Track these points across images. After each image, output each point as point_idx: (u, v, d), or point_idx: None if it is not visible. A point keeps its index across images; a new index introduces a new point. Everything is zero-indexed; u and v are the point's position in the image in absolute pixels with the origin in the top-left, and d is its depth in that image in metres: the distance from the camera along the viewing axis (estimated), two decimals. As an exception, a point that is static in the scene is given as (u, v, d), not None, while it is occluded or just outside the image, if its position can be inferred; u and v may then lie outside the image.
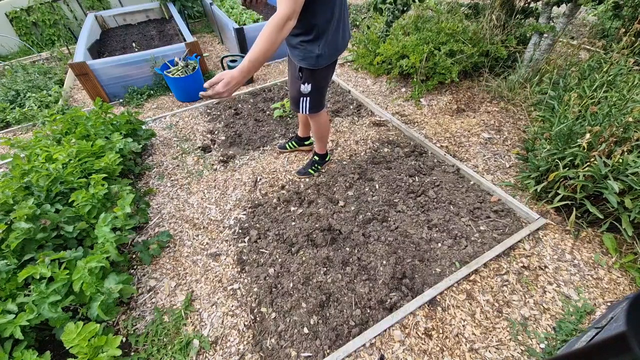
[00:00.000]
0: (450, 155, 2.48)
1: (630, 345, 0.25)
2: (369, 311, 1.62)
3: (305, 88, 1.83)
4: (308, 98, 1.89)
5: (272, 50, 1.30)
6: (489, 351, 1.47)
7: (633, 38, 2.35)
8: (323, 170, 2.47)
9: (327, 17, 1.55)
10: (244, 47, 3.99)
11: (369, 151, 2.62)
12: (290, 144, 2.65)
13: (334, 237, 1.96)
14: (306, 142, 2.62)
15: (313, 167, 2.43)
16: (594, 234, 1.89)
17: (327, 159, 2.49)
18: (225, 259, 1.96)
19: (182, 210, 2.29)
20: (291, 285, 1.74)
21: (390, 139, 2.72)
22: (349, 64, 4.00)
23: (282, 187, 2.37)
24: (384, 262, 1.79)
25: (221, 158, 2.68)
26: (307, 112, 1.96)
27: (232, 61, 3.65)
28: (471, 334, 1.53)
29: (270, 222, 2.11)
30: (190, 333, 1.62)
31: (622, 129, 1.83)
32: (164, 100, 3.64)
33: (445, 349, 1.49)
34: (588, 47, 3.50)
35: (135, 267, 1.97)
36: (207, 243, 2.06)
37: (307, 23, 1.53)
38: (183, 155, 2.77)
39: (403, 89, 3.36)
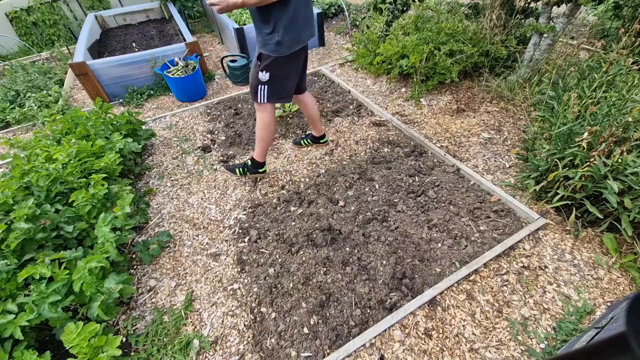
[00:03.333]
0: (450, 155, 2.48)
1: (630, 345, 0.25)
2: (369, 311, 1.62)
3: (264, 76, 1.88)
4: (266, 86, 1.92)
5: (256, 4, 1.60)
6: (489, 351, 1.47)
7: (633, 38, 2.35)
8: (249, 178, 2.40)
9: (284, 8, 1.66)
10: (244, 47, 3.99)
11: (369, 151, 2.62)
12: (305, 140, 2.68)
13: (334, 237, 1.96)
14: (321, 141, 2.64)
15: (240, 169, 2.35)
16: (594, 233, 1.90)
17: (260, 170, 2.34)
18: (225, 259, 1.96)
19: (182, 210, 2.29)
20: (291, 285, 1.74)
21: (390, 139, 2.72)
22: (349, 64, 4.00)
23: (282, 187, 2.37)
24: (384, 262, 1.79)
25: (221, 158, 2.69)
26: (265, 100, 1.98)
27: (232, 61, 3.65)
28: (471, 334, 1.53)
29: (270, 222, 2.11)
30: (190, 333, 1.62)
31: (621, 129, 1.83)
32: (164, 100, 3.64)
33: (445, 349, 1.49)
34: (588, 47, 3.50)
35: (135, 267, 1.97)
36: (207, 243, 2.06)
37: (266, 11, 1.66)
38: (183, 155, 2.77)
39: (403, 89, 3.36)
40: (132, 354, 1.57)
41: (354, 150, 2.64)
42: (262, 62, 1.85)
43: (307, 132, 2.75)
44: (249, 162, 2.32)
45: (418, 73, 3.12)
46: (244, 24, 4.28)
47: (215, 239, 2.07)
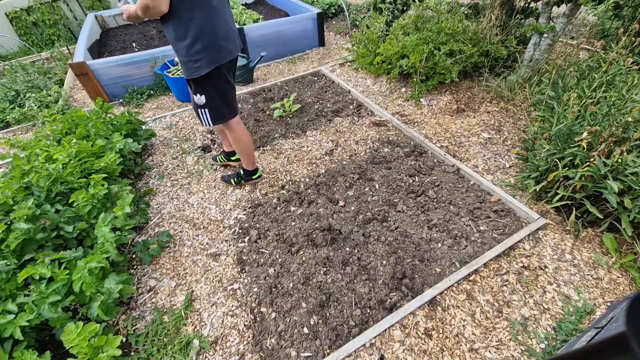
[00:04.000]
0: (450, 155, 2.48)
1: (630, 345, 0.25)
2: (369, 311, 1.62)
3: (199, 99, 1.80)
4: (206, 109, 1.84)
5: (139, 20, 1.62)
6: (489, 351, 1.47)
7: (632, 38, 2.35)
8: (248, 186, 2.37)
9: (180, 24, 1.55)
10: (244, 47, 3.99)
11: (369, 151, 2.62)
12: (220, 157, 2.57)
13: (334, 237, 1.96)
14: (232, 158, 2.50)
15: (235, 179, 2.35)
16: (594, 233, 1.90)
17: (255, 177, 2.33)
18: (225, 259, 1.96)
19: (182, 210, 2.29)
20: (291, 285, 1.74)
21: (390, 139, 2.72)
22: (349, 64, 4.00)
23: (282, 187, 2.37)
24: (384, 262, 1.79)
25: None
26: (212, 124, 1.90)
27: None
28: (471, 334, 1.53)
29: (270, 222, 2.11)
30: (190, 333, 1.62)
31: (621, 129, 1.83)
32: (164, 100, 3.64)
33: (445, 349, 1.49)
34: (588, 47, 3.50)
35: (135, 267, 1.97)
36: (207, 243, 2.06)
37: (170, 26, 1.58)
38: (183, 155, 2.77)
39: (403, 89, 3.36)
40: (132, 354, 1.57)
41: (354, 150, 2.64)
42: (192, 86, 1.79)
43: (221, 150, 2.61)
44: (241, 172, 2.32)
45: (418, 73, 3.12)
46: (244, 24, 4.28)
47: (215, 239, 2.07)
